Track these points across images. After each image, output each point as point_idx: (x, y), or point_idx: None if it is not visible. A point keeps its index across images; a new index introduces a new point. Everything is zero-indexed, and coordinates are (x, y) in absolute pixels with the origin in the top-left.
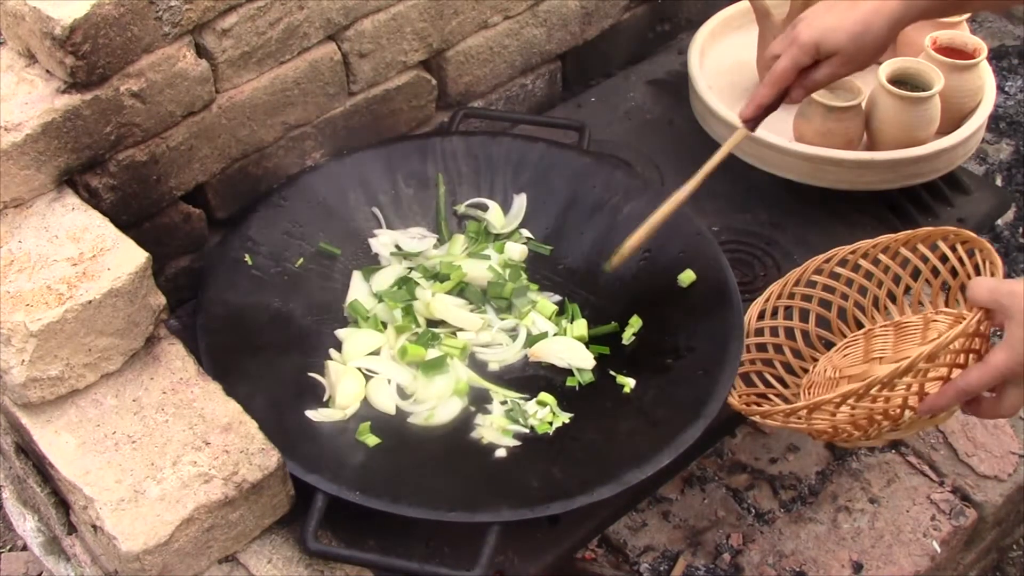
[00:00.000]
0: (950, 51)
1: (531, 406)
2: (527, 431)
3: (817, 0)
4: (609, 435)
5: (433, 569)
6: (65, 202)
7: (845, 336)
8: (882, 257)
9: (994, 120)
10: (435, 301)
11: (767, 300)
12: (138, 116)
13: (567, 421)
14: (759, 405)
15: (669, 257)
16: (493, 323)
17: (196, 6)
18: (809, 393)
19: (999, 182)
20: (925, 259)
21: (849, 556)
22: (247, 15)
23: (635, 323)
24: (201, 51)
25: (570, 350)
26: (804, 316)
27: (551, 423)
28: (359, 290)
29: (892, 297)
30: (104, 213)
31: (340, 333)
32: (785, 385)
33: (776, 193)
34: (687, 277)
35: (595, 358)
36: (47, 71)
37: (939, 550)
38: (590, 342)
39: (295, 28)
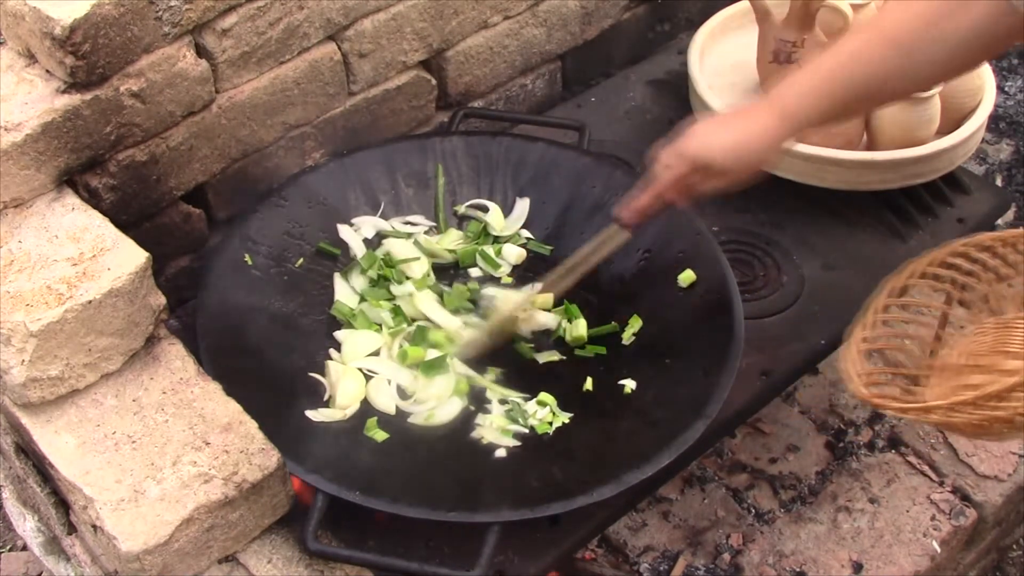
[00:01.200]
0: None
1: (531, 406)
2: (527, 431)
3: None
4: (609, 435)
5: (433, 569)
6: (65, 202)
7: (979, 321)
8: None
9: (994, 120)
10: (419, 298)
11: (904, 276)
12: (138, 116)
13: (567, 421)
14: (882, 387)
15: (669, 257)
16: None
17: (196, 6)
18: (940, 375)
19: (999, 182)
20: None
21: (849, 556)
22: (247, 15)
23: (635, 323)
24: (201, 51)
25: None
26: (940, 296)
27: (551, 423)
28: (343, 291)
29: None
30: (104, 213)
31: (339, 334)
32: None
33: (776, 193)
34: (687, 277)
35: (594, 358)
36: (47, 71)
37: (939, 550)
38: (590, 342)
39: (295, 28)
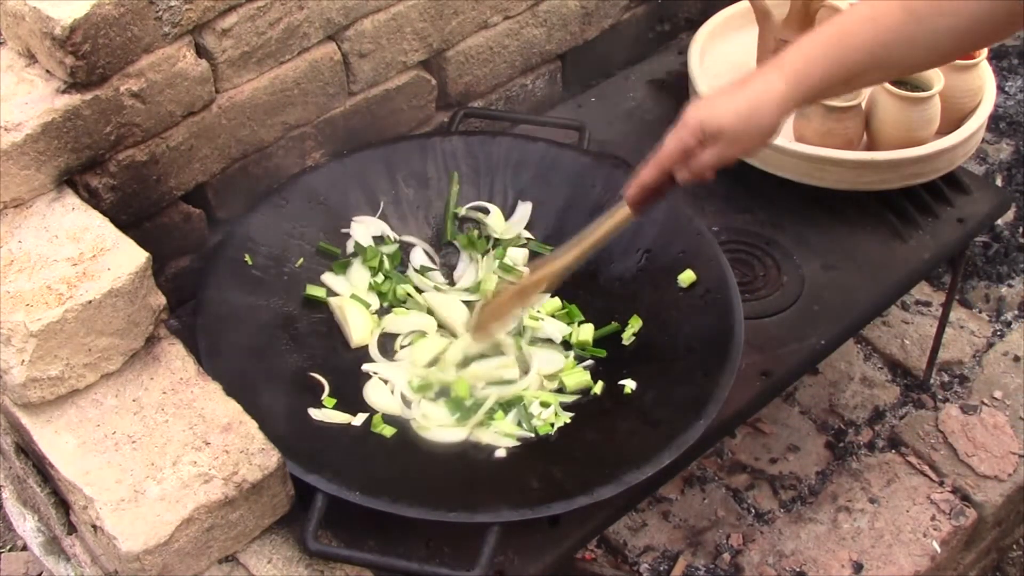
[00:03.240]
0: None
1: (535, 407)
2: (530, 434)
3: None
4: (609, 435)
5: (433, 569)
6: (65, 202)
7: None
8: None
9: (994, 120)
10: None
11: None
12: (138, 116)
13: (568, 421)
14: None
15: (669, 257)
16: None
17: (196, 6)
18: None
19: (999, 182)
20: None
21: (849, 556)
22: (247, 15)
23: (635, 323)
24: (201, 51)
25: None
26: None
27: (552, 424)
28: (338, 286)
29: None
30: (104, 213)
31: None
32: None
33: (776, 193)
34: (687, 277)
35: (593, 358)
36: (47, 71)
37: (939, 550)
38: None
39: (295, 28)
